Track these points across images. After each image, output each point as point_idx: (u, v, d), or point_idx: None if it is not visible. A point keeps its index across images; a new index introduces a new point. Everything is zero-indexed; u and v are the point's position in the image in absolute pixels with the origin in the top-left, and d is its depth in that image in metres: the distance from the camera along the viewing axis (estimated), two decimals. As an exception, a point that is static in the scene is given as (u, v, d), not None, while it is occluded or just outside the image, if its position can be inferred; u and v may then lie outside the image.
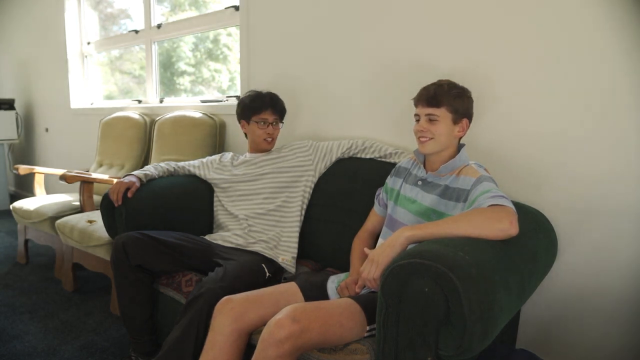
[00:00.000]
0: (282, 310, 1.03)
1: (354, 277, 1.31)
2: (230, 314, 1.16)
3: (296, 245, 1.66)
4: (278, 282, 1.52)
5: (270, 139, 1.79)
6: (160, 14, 3.00)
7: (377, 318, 0.94)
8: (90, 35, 3.58)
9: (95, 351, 1.75)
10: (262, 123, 1.76)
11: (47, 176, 3.01)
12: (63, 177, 2.29)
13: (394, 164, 1.60)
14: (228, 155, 1.92)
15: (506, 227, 0.99)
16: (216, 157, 1.93)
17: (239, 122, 1.84)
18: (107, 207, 1.66)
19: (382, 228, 1.41)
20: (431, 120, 1.23)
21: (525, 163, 1.44)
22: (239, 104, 1.82)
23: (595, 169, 1.31)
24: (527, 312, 1.47)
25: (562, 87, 1.35)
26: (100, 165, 2.95)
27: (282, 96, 1.86)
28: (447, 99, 1.21)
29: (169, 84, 3.09)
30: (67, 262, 2.30)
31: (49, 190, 3.14)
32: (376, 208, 1.49)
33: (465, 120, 1.25)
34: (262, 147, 1.81)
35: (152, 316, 1.53)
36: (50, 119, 3.97)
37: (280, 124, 1.83)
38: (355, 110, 1.88)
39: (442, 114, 1.22)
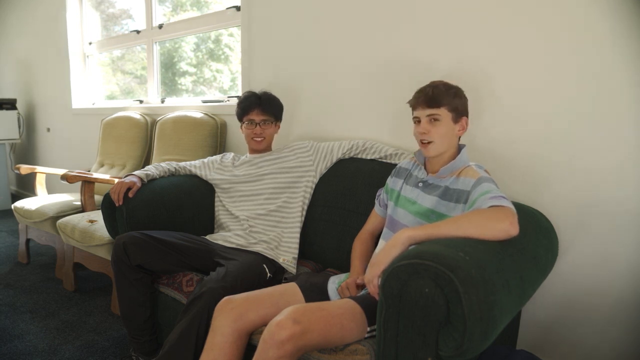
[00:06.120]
0: (283, 311, 1.03)
1: (354, 278, 1.31)
2: (230, 314, 1.16)
3: (297, 245, 1.66)
4: (279, 282, 1.51)
5: (259, 139, 1.79)
6: (161, 14, 3.01)
7: (377, 318, 0.94)
8: (92, 36, 3.59)
9: (96, 351, 1.75)
10: (249, 123, 1.78)
11: (49, 176, 3.01)
12: (64, 177, 2.30)
13: (394, 165, 1.60)
14: (229, 156, 1.92)
15: (506, 227, 0.99)
16: (217, 157, 1.93)
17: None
18: (108, 207, 1.67)
19: (382, 229, 1.41)
20: (434, 120, 1.23)
21: (525, 163, 1.44)
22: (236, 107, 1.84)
23: (595, 169, 1.31)
24: (527, 313, 1.47)
25: (563, 87, 1.35)
26: (102, 165, 2.95)
27: (282, 96, 1.86)
28: (446, 98, 1.22)
29: (170, 84, 3.10)
30: (67, 262, 2.31)
31: (50, 190, 3.14)
32: (377, 209, 1.49)
33: (464, 119, 1.26)
34: (252, 146, 1.82)
35: (152, 316, 1.53)
36: (51, 119, 3.98)
37: (275, 123, 1.82)
38: (356, 110, 1.88)
39: (443, 114, 1.22)
